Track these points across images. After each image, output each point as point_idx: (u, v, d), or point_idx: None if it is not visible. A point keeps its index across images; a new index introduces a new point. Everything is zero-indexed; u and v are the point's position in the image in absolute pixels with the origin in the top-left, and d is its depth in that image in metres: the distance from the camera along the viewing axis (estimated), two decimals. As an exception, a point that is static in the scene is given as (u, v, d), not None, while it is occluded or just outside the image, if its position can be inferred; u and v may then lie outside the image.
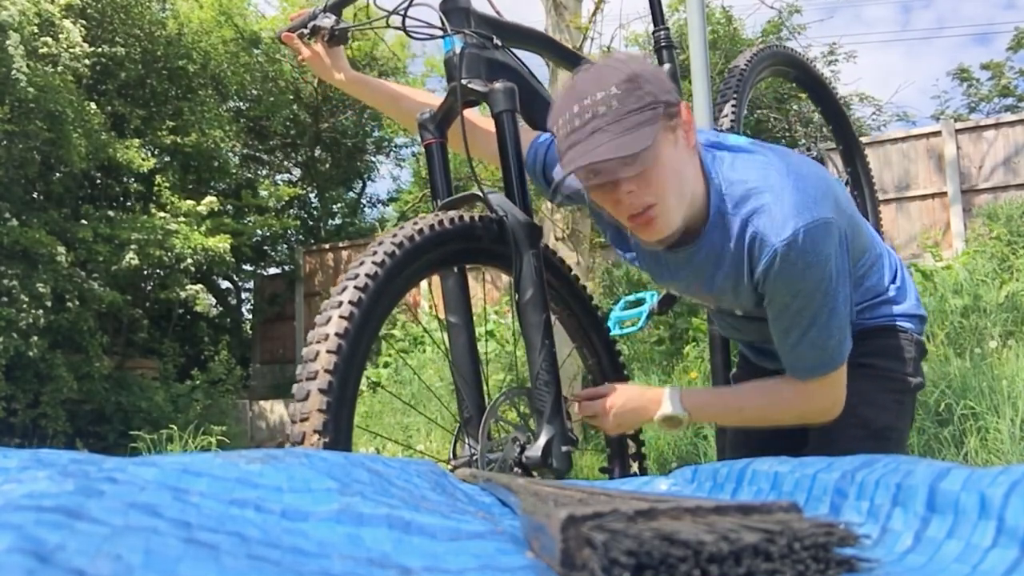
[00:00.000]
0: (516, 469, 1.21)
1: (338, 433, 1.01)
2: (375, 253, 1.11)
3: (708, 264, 1.23)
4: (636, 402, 1.34)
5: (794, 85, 2.61)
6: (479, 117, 1.44)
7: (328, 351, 1.01)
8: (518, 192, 1.29)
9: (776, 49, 2.30)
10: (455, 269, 1.32)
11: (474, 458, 1.23)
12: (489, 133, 1.36)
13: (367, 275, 1.08)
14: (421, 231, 1.16)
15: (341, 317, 1.04)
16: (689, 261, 1.25)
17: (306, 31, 1.49)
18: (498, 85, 1.29)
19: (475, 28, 1.37)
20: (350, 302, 1.05)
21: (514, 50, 1.48)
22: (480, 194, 1.27)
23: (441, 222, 1.19)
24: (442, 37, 1.36)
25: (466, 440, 1.28)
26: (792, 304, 1.16)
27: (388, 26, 1.41)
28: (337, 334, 1.03)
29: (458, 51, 1.33)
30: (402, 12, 1.36)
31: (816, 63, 2.56)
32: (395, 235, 1.14)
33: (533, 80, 1.47)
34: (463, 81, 1.31)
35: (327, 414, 0.99)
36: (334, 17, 1.48)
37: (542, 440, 1.20)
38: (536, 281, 1.23)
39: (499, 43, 1.40)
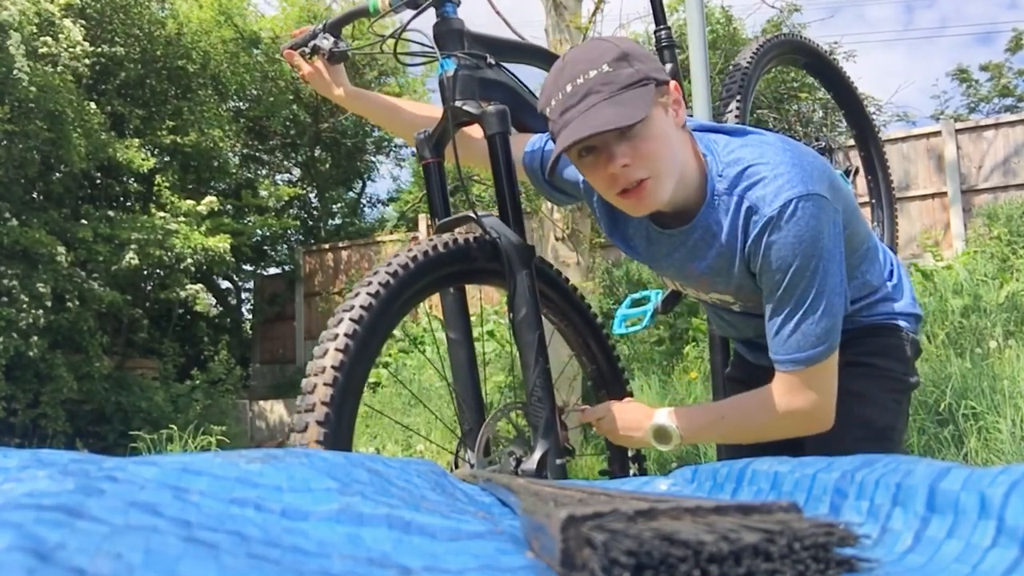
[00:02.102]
0: None
1: None
2: (370, 284, 1.14)
3: (702, 243, 1.23)
4: (621, 416, 1.38)
5: (795, 81, 2.59)
6: (476, 128, 1.46)
7: (325, 384, 1.05)
8: (511, 213, 1.32)
9: (783, 38, 2.26)
10: (451, 289, 1.35)
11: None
12: (484, 144, 1.38)
13: (362, 306, 1.11)
14: (415, 258, 1.18)
15: (337, 350, 1.07)
16: (684, 242, 1.25)
17: (307, 49, 1.53)
18: (491, 108, 1.32)
19: (468, 48, 1.39)
20: (345, 334, 1.08)
21: (510, 65, 1.51)
22: (474, 216, 1.30)
23: (435, 247, 1.22)
24: (435, 61, 1.38)
25: (466, 453, 1.31)
26: (783, 281, 1.15)
27: (383, 52, 1.45)
28: (333, 367, 1.06)
29: (451, 73, 1.35)
30: (396, 37, 1.39)
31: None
32: (390, 264, 1.17)
33: (527, 94, 1.51)
34: (457, 103, 1.34)
35: (324, 444, 1.03)
36: (333, 39, 1.52)
37: (537, 453, 1.24)
38: (530, 301, 1.27)
39: (493, 61, 1.43)
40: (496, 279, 1.31)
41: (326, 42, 1.51)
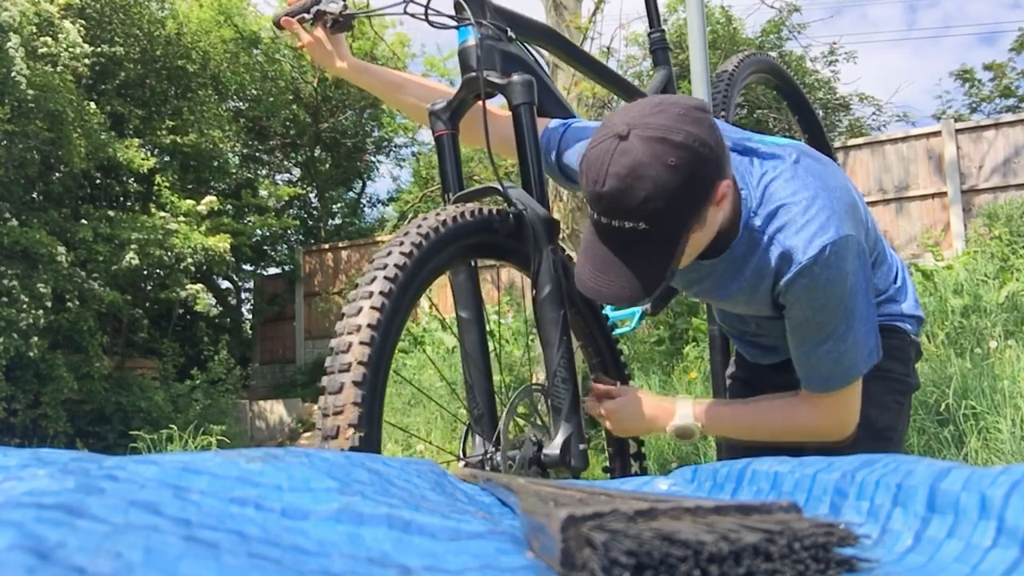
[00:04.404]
0: (534, 468, 1.20)
1: (372, 427, 0.97)
2: (402, 244, 1.07)
3: (726, 276, 1.23)
4: (645, 409, 1.36)
5: (776, 93, 2.71)
6: (490, 106, 1.42)
7: (361, 342, 0.98)
8: (536, 186, 1.27)
9: (760, 56, 2.37)
10: (470, 263, 1.29)
11: (488, 456, 1.20)
12: (501, 122, 1.34)
13: (396, 265, 1.04)
14: (445, 222, 1.12)
15: (373, 308, 1.00)
16: (709, 274, 1.26)
17: (308, 16, 1.40)
18: (516, 78, 1.27)
19: (491, 19, 1.33)
20: (381, 292, 1.01)
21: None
22: (500, 187, 1.24)
23: (463, 214, 1.15)
24: (459, 27, 1.32)
25: (477, 437, 1.25)
26: (813, 318, 1.17)
27: (405, 12, 1.35)
28: (370, 325, 0.99)
29: (475, 42, 1.29)
30: (425, 5, 1.33)
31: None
32: (420, 225, 1.10)
33: (544, 75, 1.45)
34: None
35: (362, 407, 0.96)
36: (341, 2, 1.40)
37: (560, 438, 1.19)
38: (554, 277, 1.21)
39: (513, 36, 1.37)
40: (515, 258, 1.25)
41: (334, 6, 1.38)
